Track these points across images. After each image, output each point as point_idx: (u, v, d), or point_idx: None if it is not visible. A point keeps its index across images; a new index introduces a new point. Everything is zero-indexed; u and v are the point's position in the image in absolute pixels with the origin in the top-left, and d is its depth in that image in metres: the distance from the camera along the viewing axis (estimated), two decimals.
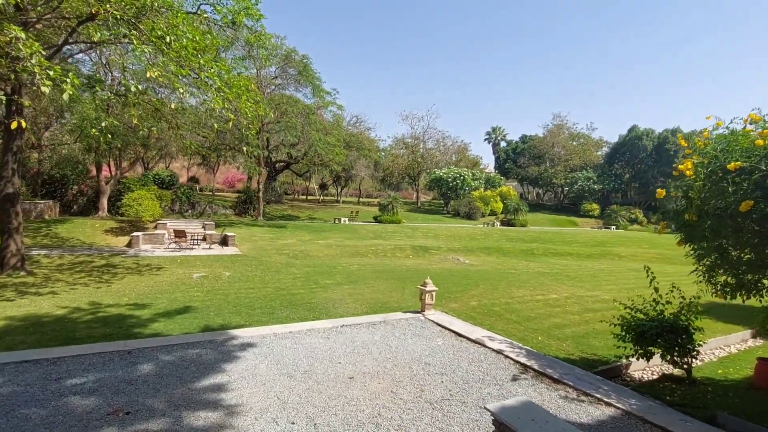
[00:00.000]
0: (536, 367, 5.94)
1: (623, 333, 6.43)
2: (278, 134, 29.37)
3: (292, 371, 5.54)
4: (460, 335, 7.55)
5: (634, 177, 54.76)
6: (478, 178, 48.79)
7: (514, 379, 5.61)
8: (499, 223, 37.33)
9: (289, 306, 9.37)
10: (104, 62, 16.49)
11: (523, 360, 6.26)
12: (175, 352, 6.02)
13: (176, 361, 5.69)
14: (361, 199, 56.28)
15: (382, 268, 15.69)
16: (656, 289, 6.52)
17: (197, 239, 18.51)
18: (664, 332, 5.97)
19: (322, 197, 53.39)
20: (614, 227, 42.85)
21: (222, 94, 9.97)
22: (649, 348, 6.21)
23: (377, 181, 58.70)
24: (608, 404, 4.98)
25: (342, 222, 30.98)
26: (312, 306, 9.43)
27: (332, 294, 10.80)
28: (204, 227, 21.71)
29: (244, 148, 20.14)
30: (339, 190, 51.72)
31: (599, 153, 58.17)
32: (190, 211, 29.74)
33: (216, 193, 42.96)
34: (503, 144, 68.59)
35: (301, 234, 23.11)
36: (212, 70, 9.54)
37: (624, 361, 6.94)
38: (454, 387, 5.29)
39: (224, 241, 19.35)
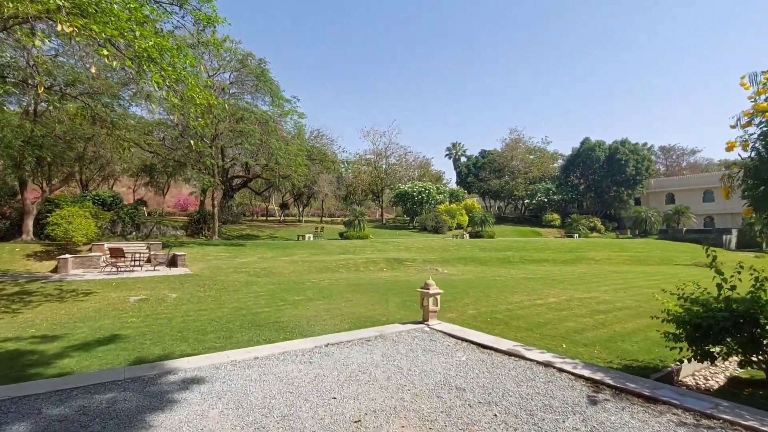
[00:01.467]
0: (610, 382, 4.42)
1: (679, 330, 5.21)
2: (234, 148, 27.24)
3: (261, 418, 3.71)
4: (484, 347, 5.99)
5: (588, 187, 56.62)
6: (443, 191, 48.45)
7: (592, 401, 4.07)
8: (468, 235, 36.68)
9: (252, 327, 7.48)
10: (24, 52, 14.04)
11: (585, 373, 4.74)
12: (74, 400, 3.99)
13: (71, 415, 3.67)
14: (324, 219, 54.23)
15: (357, 281, 13.99)
16: (719, 272, 5.34)
17: (139, 260, 16.00)
18: (737, 325, 4.78)
19: (283, 217, 50.87)
20: (577, 235, 43.57)
21: (163, 73, 8.19)
22: (711, 347, 5.02)
23: (340, 200, 57.04)
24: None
25: (306, 239, 28.94)
26: (282, 325, 7.59)
27: (304, 311, 8.98)
28: (149, 248, 19.10)
29: (197, 149, 17.77)
30: (301, 209, 49.51)
31: (555, 165, 59.97)
32: (134, 233, 26.60)
33: (167, 217, 39.48)
34: (464, 159, 69.44)
35: (262, 251, 20.92)
36: (149, 43, 7.77)
37: (673, 365, 5.72)
38: (518, 423, 3.65)
39: (173, 262, 16.90)
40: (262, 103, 22.89)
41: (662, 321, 5.57)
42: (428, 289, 7.17)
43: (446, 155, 72.63)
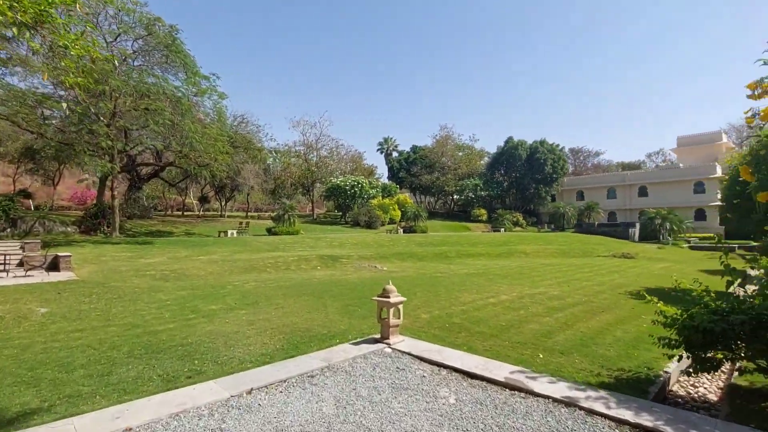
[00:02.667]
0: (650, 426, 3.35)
1: (680, 336, 4.47)
2: (142, 132, 23.36)
3: None
4: (473, 376, 4.61)
5: (511, 184, 59.58)
6: (376, 186, 47.57)
7: None
8: (401, 230, 36.15)
9: (147, 354, 5.54)
10: None
11: (627, 416, 3.54)
12: None
13: None
14: (250, 214, 50.44)
15: (288, 283, 12.22)
16: (730, 270, 4.68)
17: (5, 263, 12.64)
18: (755, 329, 4.10)
19: (202, 211, 46.26)
20: (503, 229, 45.38)
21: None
22: (720, 354, 4.35)
23: (268, 194, 53.53)
24: None
25: (229, 235, 26.07)
26: (189, 349, 5.73)
27: (222, 325, 7.13)
28: (23, 248, 15.44)
29: (86, 126, 14.39)
30: (223, 203, 45.34)
31: (482, 162, 62.25)
32: (9, 230, 21.77)
33: (58, 211, 33.37)
34: (395, 154, 69.26)
35: (174, 250, 18.03)
36: None
37: (663, 373, 5.03)
38: None
39: (54, 265, 13.61)
40: (174, 79, 19.70)
41: (654, 323, 4.81)
42: (388, 296, 5.67)
43: (378, 150, 71.94)
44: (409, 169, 62.79)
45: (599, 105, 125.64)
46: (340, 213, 47.67)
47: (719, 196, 44.86)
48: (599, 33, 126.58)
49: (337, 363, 5.01)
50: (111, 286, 10.89)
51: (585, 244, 28.77)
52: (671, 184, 48.24)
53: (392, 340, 5.71)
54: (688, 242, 34.22)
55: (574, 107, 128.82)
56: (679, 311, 4.73)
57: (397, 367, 4.86)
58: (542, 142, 55.33)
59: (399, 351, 5.45)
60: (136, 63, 20.63)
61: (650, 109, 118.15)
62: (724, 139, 53.74)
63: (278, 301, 9.25)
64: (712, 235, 39.91)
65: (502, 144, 58.68)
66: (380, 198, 45.16)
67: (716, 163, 46.25)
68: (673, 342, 4.61)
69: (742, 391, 4.52)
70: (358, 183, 43.13)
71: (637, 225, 37.22)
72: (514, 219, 50.78)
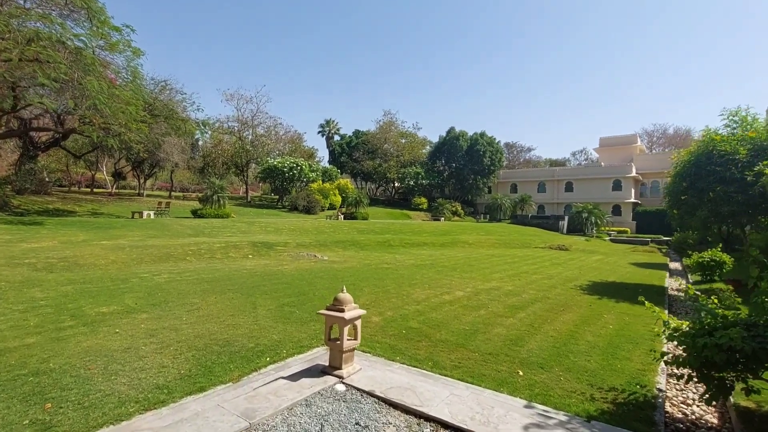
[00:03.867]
0: None
1: (691, 355, 3.68)
2: (35, 89, 19.18)
3: None
4: None
5: (451, 174, 60.40)
6: (316, 170, 45.41)
7: None
8: (342, 216, 34.68)
9: None
10: None
11: None
12: None
13: None
14: (174, 193, 45.70)
15: (212, 275, 10.36)
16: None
17: None
18: None
19: (114, 189, 40.88)
20: (443, 218, 45.73)
21: None
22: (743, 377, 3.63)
23: (196, 173, 48.88)
24: None
25: (145, 217, 22.85)
26: (42, 383, 3.92)
27: (107, 338, 5.32)
28: None
29: None
30: (142, 181, 40.37)
31: (424, 151, 62.35)
32: None
33: None
34: (337, 138, 67.07)
35: (69, 233, 15.03)
36: None
37: (658, 392, 4.31)
38: None
39: None
40: (75, 27, 16.06)
41: (657, 337, 3.98)
42: (342, 308, 4.17)
43: (319, 132, 69.20)
44: (351, 153, 61.12)
45: (532, 103, 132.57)
46: (277, 196, 44.95)
47: (633, 193, 49.34)
48: (542, 38, 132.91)
49: (264, 420, 3.34)
50: None
51: (522, 235, 29.50)
52: (593, 181, 51.69)
53: (346, 370, 4.21)
54: (609, 235, 36.79)
55: (510, 103, 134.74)
56: (686, 323, 3.99)
57: (357, 423, 3.38)
58: (482, 135, 56.49)
59: (357, 389, 3.96)
60: (26, 5, 16.67)
61: (577, 110, 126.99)
62: (639, 142, 58.81)
63: (194, 300, 7.50)
64: (626, 229, 43.53)
65: (443, 134, 59.06)
66: (320, 182, 43.19)
67: (632, 164, 50.27)
68: (681, 360, 3.86)
69: (754, 416, 3.89)
70: (298, 165, 40.77)
71: (566, 218, 39.30)
72: (453, 209, 51.52)
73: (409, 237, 23.32)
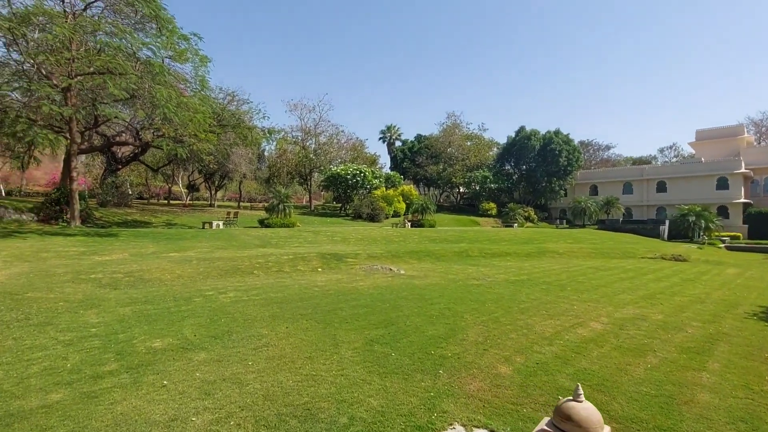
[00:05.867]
0: None
1: None
2: (112, 104, 19.75)
3: None
4: None
5: (521, 176, 56.30)
6: (379, 176, 44.24)
7: None
8: (409, 224, 32.94)
9: None
10: None
11: None
12: None
13: None
14: (242, 203, 47.03)
15: (281, 294, 8.98)
16: None
17: None
18: None
19: (188, 200, 42.79)
20: (516, 225, 42.24)
21: None
22: None
23: (262, 183, 50.07)
24: None
25: (214, 227, 22.79)
26: None
27: (149, 400, 3.86)
28: None
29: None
30: (213, 192, 41.88)
31: (491, 153, 58.96)
32: None
33: (26, 197, 29.80)
34: (398, 143, 65.77)
35: (141, 245, 14.77)
36: None
37: None
38: None
39: None
40: (144, 37, 16.09)
41: None
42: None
43: (380, 138, 68.41)
44: (414, 159, 59.46)
45: (609, 98, 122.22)
46: (340, 204, 44.44)
47: (742, 192, 42.10)
48: (610, 31, 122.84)
49: None
50: (25, 297, 7.62)
51: (617, 243, 25.65)
52: (692, 180, 45.10)
53: None
54: (723, 242, 31.23)
55: (583, 99, 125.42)
56: None
57: None
58: (557, 133, 52.00)
59: None
60: (92, 13, 16.89)
61: (662, 103, 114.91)
62: (746, 133, 50.79)
63: (262, 331, 6.02)
64: (738, 234, 37.04)
65: (512, 134, 55.35)
66: (383, 189, 41.90)
67: (740, 158, 43.20)
68: None
69: None
70: (361, 172, 39.84)
71: (667, 222, 34.13)
72: (526, 214, 47.67)
73: (488, 246, 20.89)
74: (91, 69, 13.63)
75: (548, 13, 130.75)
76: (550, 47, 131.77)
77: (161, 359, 4.83)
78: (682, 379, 4.50)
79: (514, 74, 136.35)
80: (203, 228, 22.51)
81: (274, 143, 38.48)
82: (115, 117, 17.73)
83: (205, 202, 44.31)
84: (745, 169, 42.22)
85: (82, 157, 27.55)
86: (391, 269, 13.32)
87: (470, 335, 5.99)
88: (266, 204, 33.27)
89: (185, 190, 46.11)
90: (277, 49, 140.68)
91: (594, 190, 54.43)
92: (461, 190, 59.23)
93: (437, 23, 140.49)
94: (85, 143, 21.89)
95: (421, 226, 33.69)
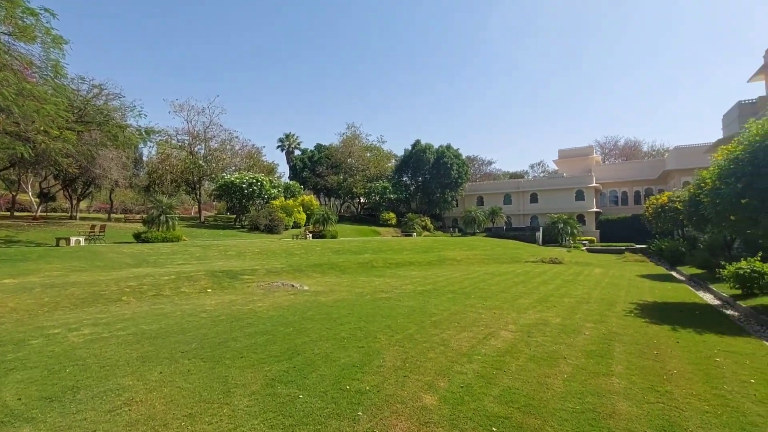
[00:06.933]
0: None
1: None
2: None
3: None
4: None
5: (418, 187, 58.94)
6: (277, 186, 42.11)
7: None
8: (310, 235, 31.68)
9: None
10: None
11: None
12: None
13: None
14: (114, 215, 40.52)
15: (155, 326, 7.35)
16: None
17: None
18: None
19: (41, 212, 35.35)
20: (415, 234, 43.76)
21: None
22: None
23: (140, 192, 43.88)
24: None
25: (73, 243, 18.86)
26: None
27: None
28: None
29: None
30: (74, 202, 35.17)
31: (390, 165, 60.63)
32: None
33: None
34: (298, 152, 63.86)
35: None
36: None
37: None
38: None
39: None
40: None
41: None
42: None
43: (278, 147, 65.62)
44: (314, 168, 58.25)
45: (490, 118, 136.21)
46: (234, 216, 41.10)
47: (594, 202, 50.10)
48: (493, 60, 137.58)
49: None
50: None
51: (504, 248, 27.98)
52: (557, 192, 52.04)
53: None
54: (584, 245, 36.35)
55: (470, 118, 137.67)
56: None
57: None
58: (448, 147, 55.66)
59: None
60: None
61: (532, 124, 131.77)
62: (595, 153, 60.64)
63: (125, 382, 4.62)
64: (592, 238, 43.67)
65: (409, 147, 57.72)
66: (282, 199, 39.96)
67: (592, 174, 51.23)
68: None
69: None
70: (258, 181, 37.42)
71: (541, 229, 38.58)
72: (423, 223, 49.81)
73: (391, 256, 20.91)
74: None
75: (436, 37, 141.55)
76: (447, 70, 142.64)
77: None
78: (599, 388, 4.50)
79: (408, 89, 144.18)
80: (57, 245, 18.44)
81: (154, 146, 33.90)
82: None
83: (65, 214, 37.17)
84: (596, 183, 50.07)
85: None
86: (293, 285, 12.22)
87: (387, 359, 5.41)
88: (144, 216, 29.02)
89: (36, 200, 38.09)
90: (169, 51, 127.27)
91: (480, 201, 59.47)
92: (362, 201, 59.71)
93: (335, 33, 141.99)
94: None
95: (323, 237, 32.73)
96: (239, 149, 47.23)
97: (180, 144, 41.34)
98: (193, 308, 8.98)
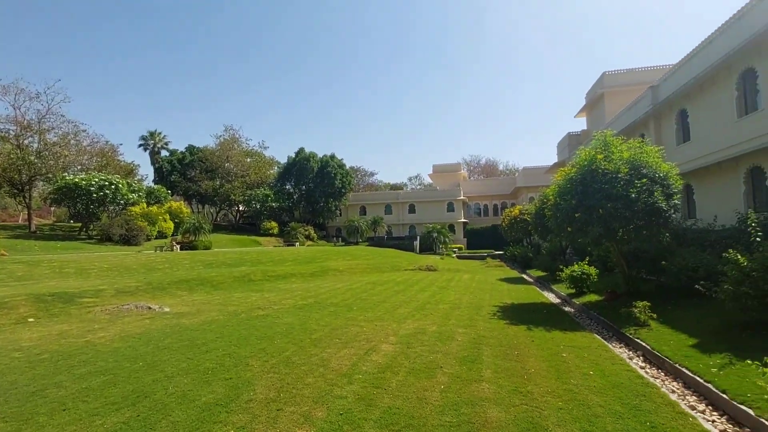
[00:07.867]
0: None
1: None
2: None
3: None
4: None
5: (302, 196, 57.72)
6: (138, 190, 36.70)
7: None
8: (178, 247, 28.19)
9: None
10: None
11: None
12: None
13: None
14: None
15: None
16: None
17: None
18: None
19: None
20: (298, 243, 42.53)
21: None
22: None
23: None
24: None
25: None
26: None
27: None
28: None
29: None
30: None
31: (272, 172, 58.16)
32: None
33: None
34: (165, 153, 56.76)
35: None
36: None
37: None
38: None
39: None
40: None
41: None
42: None
43: (141, 146, 57.26)
44: (185, 172, 52.61)
45: (371, 129, 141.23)
46: (79, 224, 34.46)
47: (462, 214, 55.81)
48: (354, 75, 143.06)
49: None
50: None
51: (385, 258, 28.92)
52: (432, 203, 56.36)
53: None
54: (455, 252, 39.85)
55: (352, 129, 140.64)
56: None
57: None
58: (332, 157, 55.87)
59: None
60: None
61: (409, 140, 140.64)
62: (462, 170, 67.69)
63: None
64: (461, 245, 48.38)
65: (293, 154, 56.29)
66: (144, 205, 34.96)
67: (460, 188, 56.87)
68: None
69: None
70: (111, 183, 32.11)
71: (418, 238, 41.09)
72: (307, 233, 48.82)
73: (272, 268, 19.78)
74: None
75: (327, 46, 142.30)
76: (327, 79, 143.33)
77: None
78: (472, 396, 4.67)
79: (290, 92, 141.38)
80: None
81: None
82: None
83: None
84: (463, 196, 55.60)
85: None
86: (150, 307, 10.51)
87: (259, 391, 4.84)
88: None
89: None
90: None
91: (363, 211, 60.99)
92: (241, 209, 55.99)
93: (207, 27, 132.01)
94: None
95: (194, 248, 29.49)
96: (88, 145, 39.91)
97: (3, 134, 33.16)
98: (2, 346, 6.95)
